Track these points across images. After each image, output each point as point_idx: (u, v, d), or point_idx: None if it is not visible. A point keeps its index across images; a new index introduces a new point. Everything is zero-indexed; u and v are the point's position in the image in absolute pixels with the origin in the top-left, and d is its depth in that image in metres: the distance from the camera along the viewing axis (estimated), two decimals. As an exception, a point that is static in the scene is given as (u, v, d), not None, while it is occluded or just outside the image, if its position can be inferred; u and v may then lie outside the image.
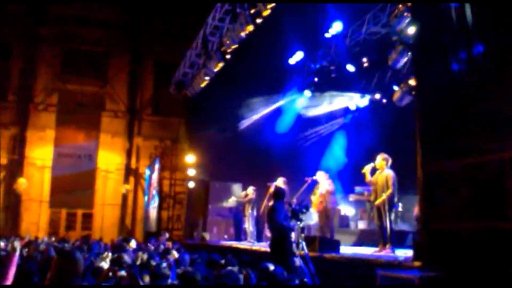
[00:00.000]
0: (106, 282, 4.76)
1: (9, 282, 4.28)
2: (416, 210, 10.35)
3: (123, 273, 4.59)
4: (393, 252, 8.29)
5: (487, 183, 5.09)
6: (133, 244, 9.66)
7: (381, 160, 8.77)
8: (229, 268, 4.30)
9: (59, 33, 22.45)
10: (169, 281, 4.62)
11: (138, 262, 6.59)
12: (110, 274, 4.97)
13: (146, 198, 22.60)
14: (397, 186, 8.62)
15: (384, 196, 8.43)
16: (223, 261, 6.02)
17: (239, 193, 14.61)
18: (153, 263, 5.97)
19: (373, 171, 8.95)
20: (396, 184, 8.57)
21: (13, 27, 21.79)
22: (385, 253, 8.29)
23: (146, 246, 11.35)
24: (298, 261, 6.67)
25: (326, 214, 10.17)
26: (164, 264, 5.19)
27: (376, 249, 8.77)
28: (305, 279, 4.77)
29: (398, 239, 10.04)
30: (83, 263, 4.04)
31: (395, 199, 8.80)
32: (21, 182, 20.68)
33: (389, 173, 8.63)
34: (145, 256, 7.09)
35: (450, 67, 5.90)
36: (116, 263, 5.82)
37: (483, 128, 5.32)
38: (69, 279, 3.77)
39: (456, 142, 5.63)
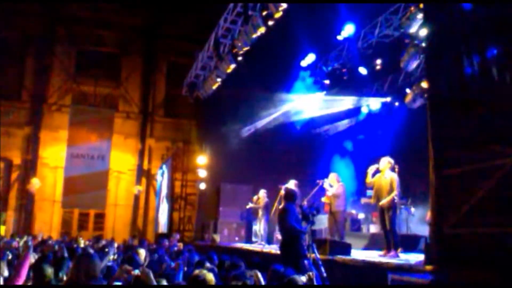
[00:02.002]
0: (119, 281, 4.80)
1: (22, 279, 4.35)
2: (428, 214, 10.29)
3: (136, 272, 4.62)
4: (398, 256, 8.24)
5: (500, 187, 5.04)
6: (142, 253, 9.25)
7: (386, 163, 8.79)
8: (240, 270, 4.29)
9: (73, 35, 22.67)
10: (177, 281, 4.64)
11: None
12: (124, 273, 5.01)
13: (157, 199, 22.69)
14: (401, 190, 8.70)
15: (390, 197, 8.44)
16: (229, 262, 6.02)
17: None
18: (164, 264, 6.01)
19: (375, 173, 8.98)
20: (400, 187, 8.63)
21: (28, 28, 22.04)
22: (389, 256, 8.25)
23: (158, 247, 11.40)
24: (307, 264, 6.63)
25: (334, 217, 10.14)
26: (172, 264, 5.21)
27: (381, 252, 8.75)
28: (312, 274, 4.74)
29: (410, 243, 10.00)
30: (101, 266, 4.12)
31: (398, 203, 8.84)
32: (34, 182, 20.89)
33: (393, 175, 8.69)
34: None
35: (463, 70, 5.86)
36: (128, 262, 5.86)
37: (496, 132, 5.27)
38: (86, 281, 3.84)
39: (469, 146, 5.58)
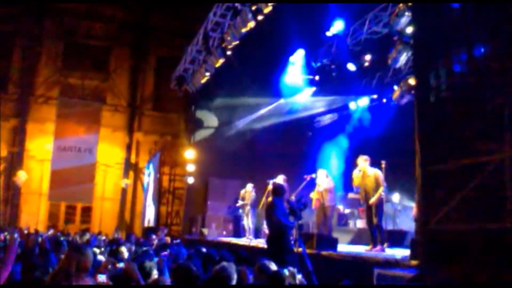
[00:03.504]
0: (104, 273, 4.80)
1: (7, 272, 4.34)
2: (415, 210, 10.38)
3: (121, 265, 4.62)
4: (384, 251, 8.31)
5: (485, 183, 5.09)
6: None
7: (363, 161, 8.82)
8: (223, 263, 4.30)
9: (62, 27, 22.48)
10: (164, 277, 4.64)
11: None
12: (109, 266, 5.00)
13: (145, 193, 22.62)
14: (387, 185, 8.75)
15: (378, 194, 8.48)
16: (217, 257, 6.04)
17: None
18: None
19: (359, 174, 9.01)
20: (385, 181, 8.68)
21: (16, 20, 21.80)
22: (375, 251, 8.31)
23: (145, 241, 11.38)
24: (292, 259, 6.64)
25: (324, 212, 10.16)
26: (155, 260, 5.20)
27: (367, 247, 8.82)
28: (294, 269, 4.76)
29: (396, 239, 10.07)
30: (91, 258, 4.11)
31: (385, 198, 8.90)
32: (21, 175, 20.70)
33: (376, 171, 8.73)
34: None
35: (450, 68, 5.91)
36: (114, 255, 5.86)
37: (482, 129, 5.33)
38: (77, 273, 3.84)
39: (455, 142, 5.63)
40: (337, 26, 12.45)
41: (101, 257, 5.98)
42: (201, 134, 17.93)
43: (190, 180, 17.84)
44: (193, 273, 4.02)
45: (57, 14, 22.40)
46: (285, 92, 15.96)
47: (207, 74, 14.86)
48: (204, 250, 7.21)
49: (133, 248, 8.65)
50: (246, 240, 12.36)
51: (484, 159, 5.14)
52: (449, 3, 5.92)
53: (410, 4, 9.36)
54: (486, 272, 4.79)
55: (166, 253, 6.53)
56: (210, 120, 17.32)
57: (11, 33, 22.21)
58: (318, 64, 15.19)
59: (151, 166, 22.03)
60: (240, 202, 13.43)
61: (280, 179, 11.19)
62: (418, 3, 7.02)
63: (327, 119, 17.75)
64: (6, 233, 13.75)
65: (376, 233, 8.63)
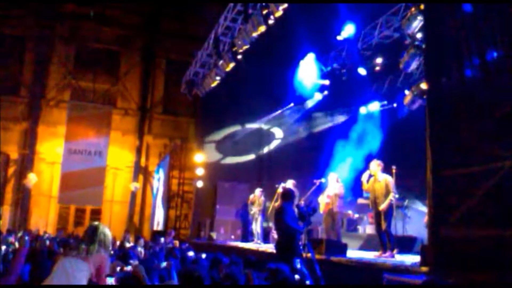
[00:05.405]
0: (112, 276, 4.79)
1: (17, 273, 4.34)
2: (427, 216, 10.29)
3: (129, 268, 4.60)
4: (393, 257, 8.25)
5: (497, 189, 5.03)
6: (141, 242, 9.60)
7: (376, 166, 8.77)
8: (231, 268, 4.27)
9: (73, 31, 22.64)
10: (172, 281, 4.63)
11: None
12: (117, 269, 4.99)
13: (154, 196, 22.66)
14: (398, 191, 8.71)
15: (388, 200, 8.42)
16: (227, 261, 6.00)
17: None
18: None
19: (369, 178, 8.96)
20: (395, 188, 8.63)
21: (28, 24, 21.97)
22: (385, 257, 8.25)
23: (154, 244, 11.38)
24: (299, 263, 6.58)
25: (333, 217, 10.09)
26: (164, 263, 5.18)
27: (377, 253, 8.75)
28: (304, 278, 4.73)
29: (406, 245, 10.00)
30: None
31: (395, 204, 8.85)
32: (31, 177, 20.81)
33: (386, 177, 8.68)
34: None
35: (462, 72, 5.85)
36: (122, 258, 5.85)
37: (494, 135, 5.27)
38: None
39: (467, 148, 5.57)
40: (348, 30, 12.45)
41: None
42: (211, 137, 17.94)
43: (199, 184, 17.84)
44: (199, 277, 3.99)
45: (69, 18, 22.56)
46: (295, 96, 15.93)
47: (217, 78, 14.88)
48: (212, 254, 7.17)
49: (142, 251, 8.67)
50: (255, 245, 12.31)
51: (496, 165, 5.07)
52: (461, 8, 5.87)
53: (422, 7, 9.31)
54: (499, 279, 4.71)
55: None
56: (220, 123, 17.35)
57: (23, 37, 22.39)
58: (329, 69, 15.16)
59: (160, 169, 22.06)
60: (252, 209, 13.35)
61: (290, 184, 11.15)
62: (430, 7, 6.97)
63: (337, 123, 17.68)
64: (18, 235, 13.83)
65: (385, 239, 8.58)
